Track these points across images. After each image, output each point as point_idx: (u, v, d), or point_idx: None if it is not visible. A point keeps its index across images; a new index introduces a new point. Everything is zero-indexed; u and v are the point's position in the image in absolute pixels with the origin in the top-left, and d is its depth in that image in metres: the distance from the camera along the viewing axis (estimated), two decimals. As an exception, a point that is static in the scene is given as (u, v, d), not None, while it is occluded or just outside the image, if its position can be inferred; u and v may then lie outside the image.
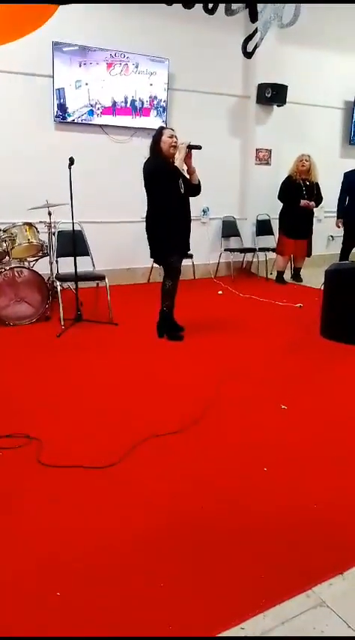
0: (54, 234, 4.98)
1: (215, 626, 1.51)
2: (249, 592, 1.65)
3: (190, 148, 3.99)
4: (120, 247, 6.08)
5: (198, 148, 4.00)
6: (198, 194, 4.21)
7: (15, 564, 1.76)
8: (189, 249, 4.29)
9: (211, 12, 6.35)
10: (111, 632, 1.50)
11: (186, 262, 6.30)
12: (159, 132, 4.02)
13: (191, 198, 4.14)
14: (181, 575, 1.72)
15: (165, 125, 6.19)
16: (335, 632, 1.51)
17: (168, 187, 3.95)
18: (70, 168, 4.24)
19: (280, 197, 6.41)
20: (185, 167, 4.04)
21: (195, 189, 4.16)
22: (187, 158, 4.02)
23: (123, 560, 1.78)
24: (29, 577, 1.70)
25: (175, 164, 3.95)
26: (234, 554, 1.82)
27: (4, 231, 4.64)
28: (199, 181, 4.15)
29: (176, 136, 4.00)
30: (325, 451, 2.53)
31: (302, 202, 6.20)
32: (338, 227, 6.56)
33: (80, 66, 5.61)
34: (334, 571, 1.74)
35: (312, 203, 6.26)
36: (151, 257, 4.25)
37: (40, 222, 4.90)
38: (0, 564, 1.75)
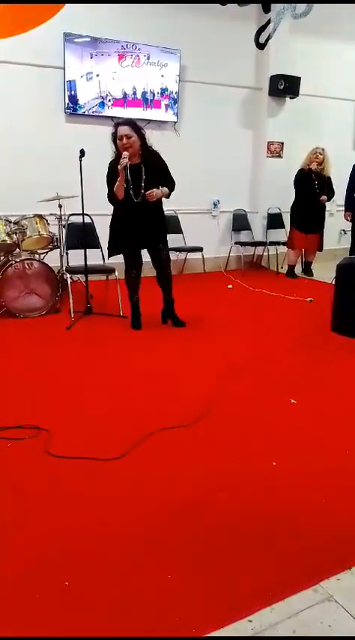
0: (64, 227, 4.99)
1: (223, 619, 1.51)
2: (256, 585, 1.65)
3: (124, 168, 3.75)
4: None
5: (125, 166, 3.75)
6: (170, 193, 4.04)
7: (23, 554, 1.77)
8: (149, 244, 4.10)
9: (224, 2, 6.31)
10: (119, 621, 1.51)
11: (195, 255, 6.34)
12: (115, 130, 3.86)
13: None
14: (189, 567, 1.72)
15: (176, 119, 6.18)
16: (343, 627, 1.51)
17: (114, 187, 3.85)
18: (80, 160, 4.24)
19: (296, 187, 6.36)
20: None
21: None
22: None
23: (131, 552, 1.79)
24: (37, 567, 1.71)
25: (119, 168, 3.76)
26: (242, 548, 1.82)
27: (15, 223, 4.66)
28: (165, 193, 3.94)
29: (127, 135, 3.77)
30: (334, 446, 2.52)
31: (322, 198, 6.15)
32: (347, 220, 6.47)
33: (91, 57, 5.59)
34: (342, 566, 1.73)
35: (324, 197, 6.21)
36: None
37: (51, 214, 4.92)
38: (8, 554, 1.77)
